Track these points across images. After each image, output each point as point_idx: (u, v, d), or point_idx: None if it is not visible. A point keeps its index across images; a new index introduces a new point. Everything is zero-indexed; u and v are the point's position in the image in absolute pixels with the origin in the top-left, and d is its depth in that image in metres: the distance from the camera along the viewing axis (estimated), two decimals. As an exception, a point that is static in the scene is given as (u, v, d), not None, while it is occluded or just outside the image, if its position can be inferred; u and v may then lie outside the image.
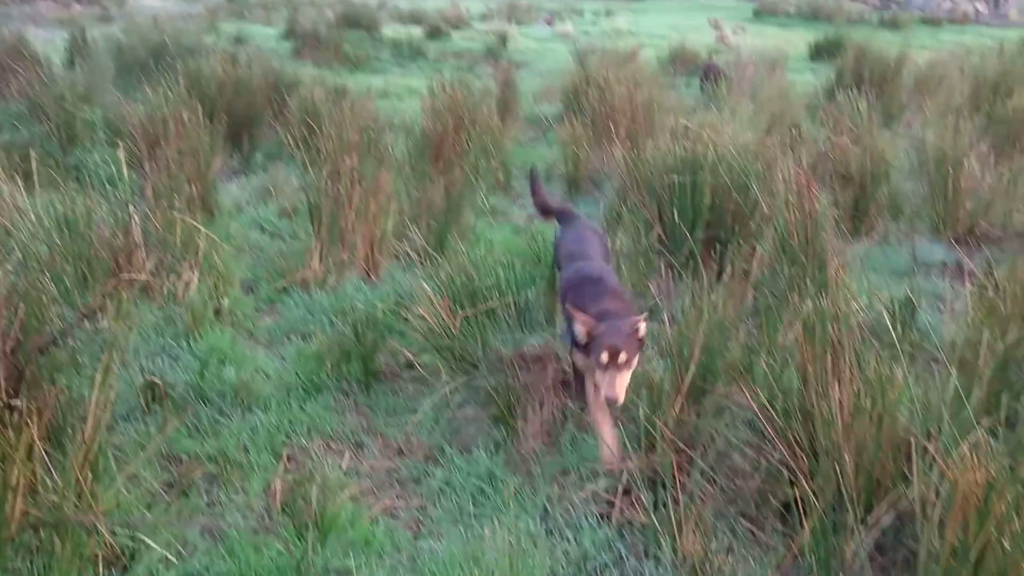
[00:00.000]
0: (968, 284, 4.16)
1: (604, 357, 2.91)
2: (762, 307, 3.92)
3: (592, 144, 6.89)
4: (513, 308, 4.00)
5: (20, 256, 4.02)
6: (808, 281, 3.94)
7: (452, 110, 6.59)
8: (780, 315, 3.43)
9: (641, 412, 3.06)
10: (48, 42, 12.66)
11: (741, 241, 4.57)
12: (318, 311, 4.46)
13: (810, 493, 2.48)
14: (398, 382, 3.88)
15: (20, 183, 4.81)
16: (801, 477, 2.55)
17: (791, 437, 2.63)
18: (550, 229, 4.98)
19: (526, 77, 12.22)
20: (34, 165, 5.26)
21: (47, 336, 2.85)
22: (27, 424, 2.28)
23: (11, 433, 2.38)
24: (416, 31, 18.49)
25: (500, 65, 11.51)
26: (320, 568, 2.84)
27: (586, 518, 2.99)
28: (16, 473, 2.35)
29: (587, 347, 3.03)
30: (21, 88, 8.16)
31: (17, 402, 2.41)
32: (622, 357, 2.91)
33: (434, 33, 18.13)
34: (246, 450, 3.34)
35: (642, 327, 2.98)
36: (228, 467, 3.25)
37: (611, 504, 3.01)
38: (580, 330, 3.03)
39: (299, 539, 2.92)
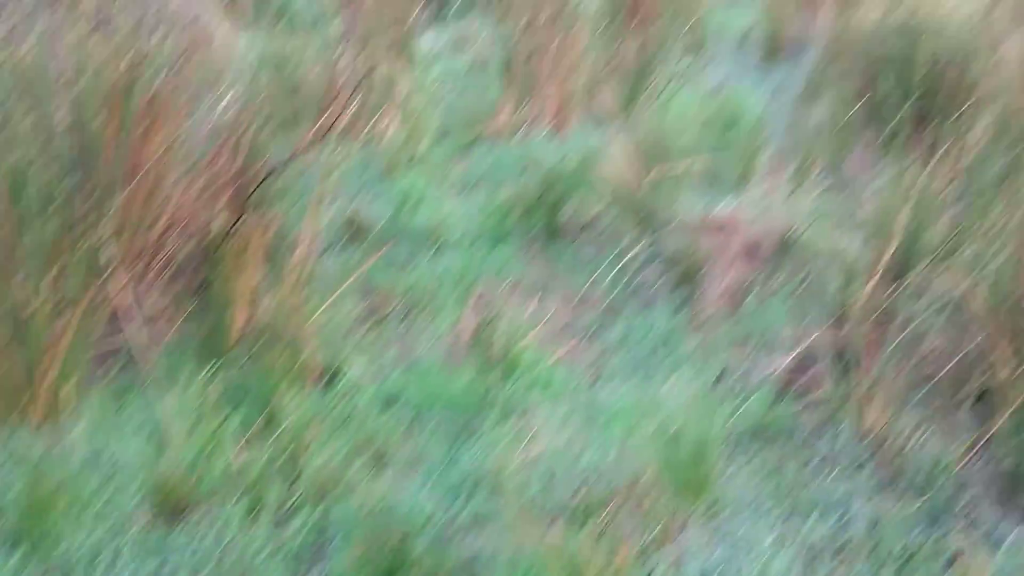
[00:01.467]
0: None
1: None
2: (974, 190, 3.69)
3: (797, 5, 6.49)
4: (703, 171, 3.95)
5: (239, 92, 4.26)
6: (1029, 166, 3.64)
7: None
8: (995, 199, 3.22)
9: (832, 286, 3.00)
10: None
11: (955, 120, 4.26)
12: (507, 163, 4.55)
13: (1010, 384, 2.39)
14: (581, 237, 3.94)
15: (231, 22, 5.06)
16: (1002, 368, 2.46)
17: (995, 325, 2.52)
18: (747, 93, 4.83)
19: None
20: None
21: (269, 165, 3.07)
22: (258, 235, 2.50)
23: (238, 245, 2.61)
24: None
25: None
26: (503, 402, 3.01)
27: (764, 387, 3.00)
28: (243, 281, 2.60)
29: None
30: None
31: (246, 216, 2.63)
32: None
33: None
34: (437, 287, 3.52)
35: None
36: (421, 302, 3.46)
37: (792, 375, 3.01)
38: None
39: (483, 374, 3.11)
